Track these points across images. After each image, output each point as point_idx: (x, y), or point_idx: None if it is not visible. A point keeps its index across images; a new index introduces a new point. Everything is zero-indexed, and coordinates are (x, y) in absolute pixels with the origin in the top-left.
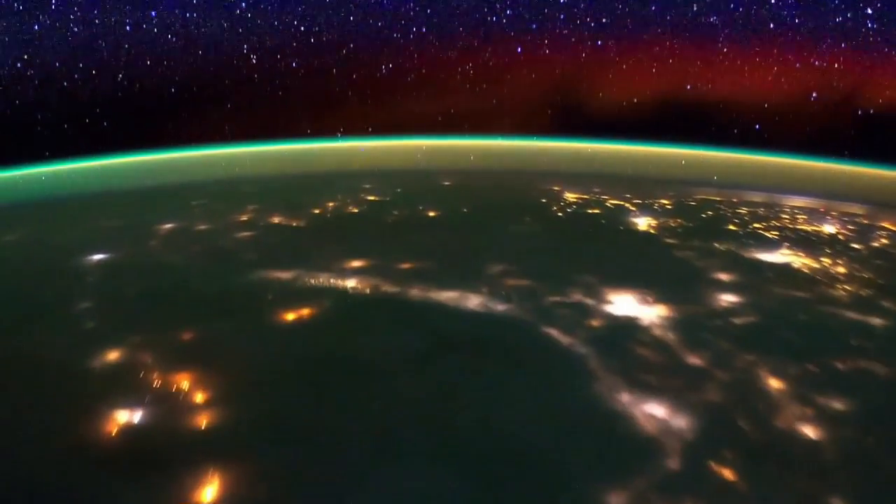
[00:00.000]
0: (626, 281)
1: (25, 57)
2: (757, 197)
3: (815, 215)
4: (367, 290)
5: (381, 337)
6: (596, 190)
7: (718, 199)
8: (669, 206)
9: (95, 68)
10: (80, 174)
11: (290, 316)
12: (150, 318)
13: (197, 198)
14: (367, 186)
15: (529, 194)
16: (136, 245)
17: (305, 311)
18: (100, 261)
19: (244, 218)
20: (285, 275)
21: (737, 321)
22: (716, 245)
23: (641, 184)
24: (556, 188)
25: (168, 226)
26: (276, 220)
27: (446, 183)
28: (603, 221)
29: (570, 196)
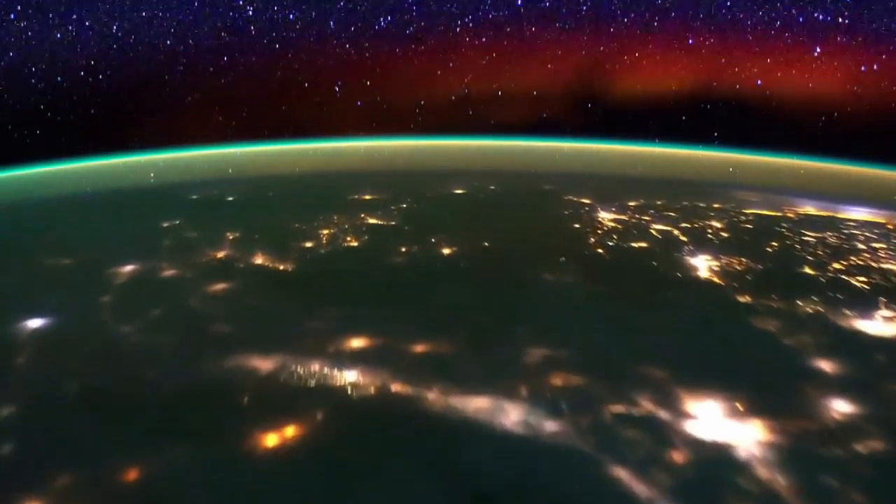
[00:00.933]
0: (703, 374)
1: None
2: (809, 207)
3: (892, 239)
4: (372, 392)
5: (392, 492)
6: (632, 205)
7: (772, 214)
8: (725, 233)
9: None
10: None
11: (270, 439)
12: (87, 441)
13: (169, 215)
14: (367, 199)
15: (557, 215)
16: (83, 304)
17: (290, 431)
18: (32, 333)
19: (220, 255)
20: (265, 364)
21: (861, 450)
22: (799, 304)
23: (675, 193)
24: (585, 202)
25: (127, 269)
26: (258, 259)
27: (458, 191)
28: (654, 264)
29: (605, 218)
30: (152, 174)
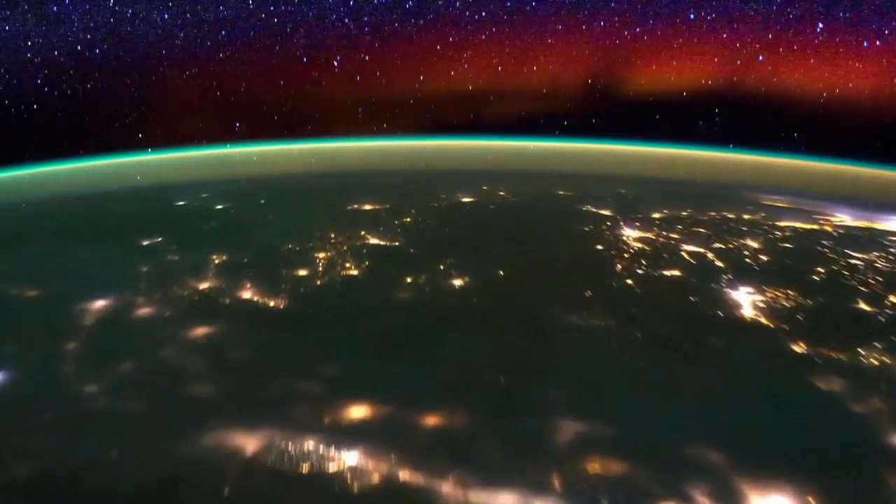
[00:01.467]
0: (765, 457)
1: None
2: (845, 216)
3: None
4: (376, 481)
5: None
6: (657, 219)
7: (808, 227)
8: (763, 255)
9: None
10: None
11: None
12: None
13: (150, 229)
14: (367, 210)
15: (578, 232)
16: (43, 353)
17: None
18: None
19: (204, 287)
20: (250, 442)
21: None
22: (861, 355)
23: (700, 201)
24: (606, 215)
25: (98, 305)
26: (246, 293)
27: (465, 199)
28: (692, 299)
29: (631, 236)
30: (139, 176)
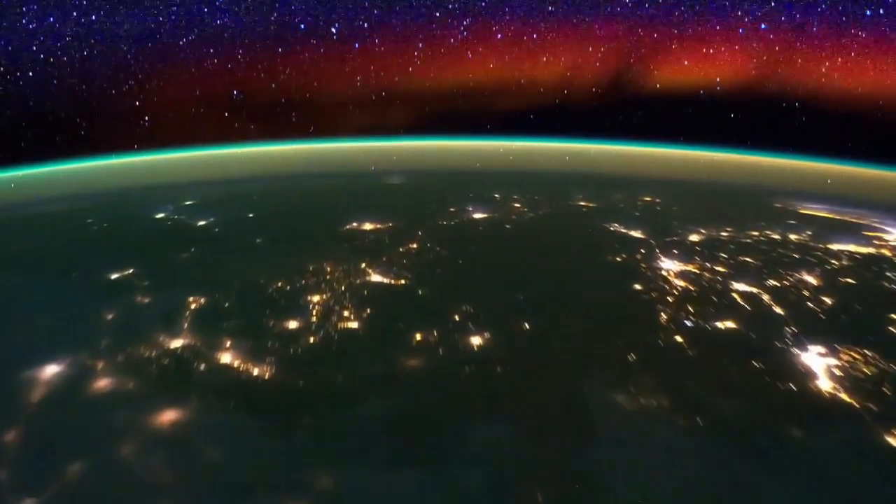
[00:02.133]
0: None
1: None
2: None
3: None
4: None
5: None
6: (696, 243)
7: (865, 252)
8: (827, 297)
9: None
10: None
11: None
12: None
13: (121, 256)
14: (367, 231)
15: (610, 265)
16: None
17: None
18: None
19: (176, 346)
20: None
21: None
22: None
23: (736, 215)
24: (637, 238)
25: (48, 374)
26: (225, 356)
27: (478, 217)
28: (756, 365)
29: (671, 270)
30: (124, 179)
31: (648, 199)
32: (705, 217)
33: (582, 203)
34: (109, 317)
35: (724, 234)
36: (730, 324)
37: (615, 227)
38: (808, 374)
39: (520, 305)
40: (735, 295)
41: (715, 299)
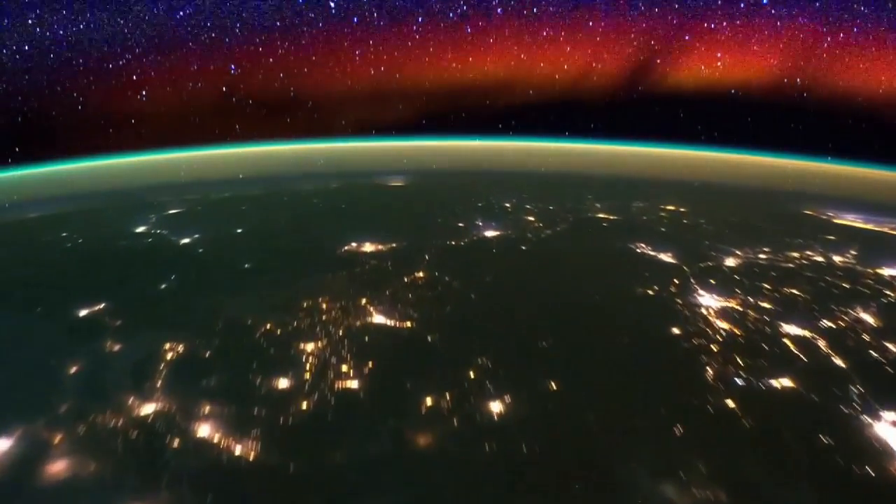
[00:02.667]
0: None
1: None
2: None
3: None
4: None
5: None
6: (733, 269)
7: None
8: (889, 341)
9: None
10: None
11: None
12: None
13: (90, 289)
14: (368, 254)
15: (641, 299)
16: None
17: None
18: None
19: (146, 413)
20: None
21: None
22: None
23: (769, 230)
24: (669, 264)
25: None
26: (202, 428)
27: (491, 235)
28: (824, 440)
29: (711, 308)
30: (104, 181)
31: (671, 207)
32: (738, 233)
33: (601, 215)
34: (73, 369)
35: (763, 256)
36: (786, 381)
37: (642, 248)
38: (886, 453)
39: (543, 356)
40: (787, 341)
41: (765, 347)
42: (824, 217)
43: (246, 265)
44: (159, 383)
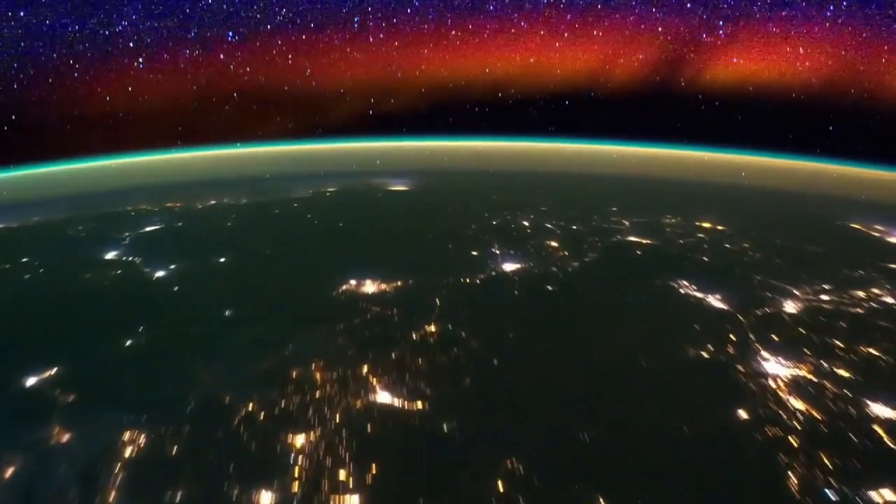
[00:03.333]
0: None
1: None
2: None
3: None
4: None
5: None
6: (797, 322)
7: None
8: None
9: None
10: None
11: None
12: None
13: (42, 349)
14: (369, 297)
15: (693, 367)
16: None
17: None
18: None
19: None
20: None
21: None
22: None
23: (824, 259)
24: (721, 311)
25: None
26: None
27: (510, 268)
28: None
29: (780, 378)
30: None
31: (708, 224)
32: (789, 262)
33: (633, 237)
34: (9, 473)
35: (825, 298)
36: (890, 494)
37: (686, 287)
38: None
39: (587, 455)
40: (879, 430)
41: (854, 439)
42: (875, 234)
43: (226, 312)
44: (112, 496)
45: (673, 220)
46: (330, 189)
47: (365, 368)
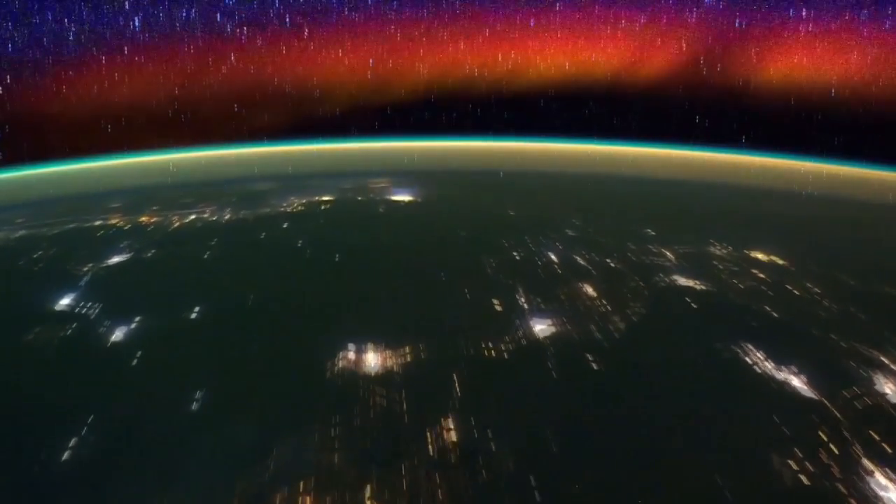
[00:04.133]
0: None
1: None
2: None
3: None
4: None
5: None
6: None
7: None
8: None
9: None
10: None
11: None
12: None
13: None
14: (374, 377)
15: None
16: None
17: None
18: None
19: None
20: None
21: None
22: None
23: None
24: (809, 400)
25: None
26: None
27: (540, 333)
28: None
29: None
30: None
31: (762, 256)
32: (872, 316)
33: (682, 280)
34: None
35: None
36: None
37: (754, 355)
38: None
39: None
40: None
41: None
42: None
43: (195, 399)
44: None
45: (721, 251)
46: (325, 198)
47: (367, 496)
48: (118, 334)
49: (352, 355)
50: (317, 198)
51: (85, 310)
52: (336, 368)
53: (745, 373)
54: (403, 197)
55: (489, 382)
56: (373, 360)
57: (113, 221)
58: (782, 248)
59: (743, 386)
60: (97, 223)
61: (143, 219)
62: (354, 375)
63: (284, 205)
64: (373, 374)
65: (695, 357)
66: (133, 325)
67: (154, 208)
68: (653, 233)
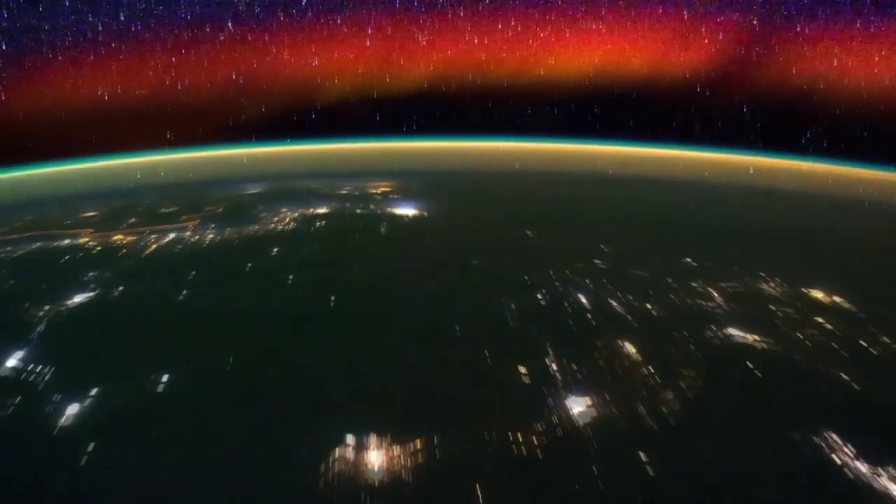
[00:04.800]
0: None
1: None
2: None
3: None
4: None
5: None
6: None
7: None
8: None
9: None
10: None
11: None
12: None
13: None
14: (377, 486)
15: None
16: None
17: None
18: None
19: None
20: None
21: None
22: None
23: None
24: None
25: None
26: None
27: (578, 417)
28: None
29: None
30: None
31: (822, 297)
32: None
33: (735, 332)
34: None
35: None
36: None
37: (840, 450)
38: None
39: None
40: None
41: None
42: None
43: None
44: None
45: (775, 290)
46: (320, 211)
47: None
48: (69, 413)
49: (350, 451)
50: (311, 210)
51: (33, 377)
52: (331, 477)
53: (836, 477)
54: (407, 210)
55: (520, 495)
56: (375, 457)
57: (83, 240)
58: (844, 282)
59: (834, 497)
60: (65, 242)
61: (118, 237)
62: (354, 483)
63: (275, 220)
64: (376, 483)
65: (770, 454)
66: (88, 399)
67: (131, 221)
68: (694, 263)
